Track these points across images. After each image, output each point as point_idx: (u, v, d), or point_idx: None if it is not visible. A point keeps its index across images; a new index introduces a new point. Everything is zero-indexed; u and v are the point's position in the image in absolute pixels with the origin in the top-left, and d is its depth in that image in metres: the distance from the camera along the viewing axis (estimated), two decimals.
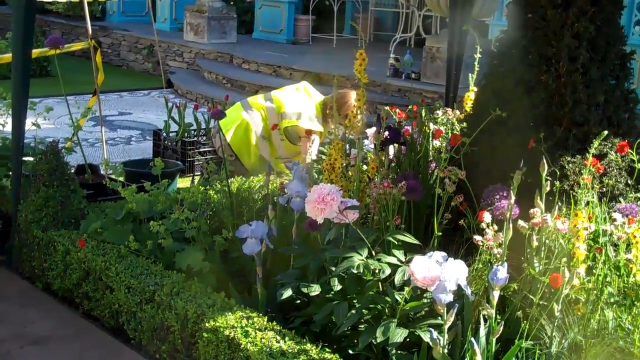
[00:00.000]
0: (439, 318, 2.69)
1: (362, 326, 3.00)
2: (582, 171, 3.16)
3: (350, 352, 2.97)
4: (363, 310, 2.98)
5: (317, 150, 5.13)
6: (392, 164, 3.83)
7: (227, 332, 2.98)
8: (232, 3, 12.98)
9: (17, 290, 4.07)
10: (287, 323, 3.16)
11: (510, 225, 2.90)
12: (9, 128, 4.42)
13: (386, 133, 3.75)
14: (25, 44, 4.14)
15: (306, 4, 13.04)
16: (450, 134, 3.95)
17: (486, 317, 2.76)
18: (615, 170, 3.39)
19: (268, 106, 5.24)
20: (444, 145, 3.80)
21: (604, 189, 3.31)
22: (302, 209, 3.31)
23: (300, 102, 5.27)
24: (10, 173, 4.36)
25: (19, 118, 4.18)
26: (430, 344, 2.59)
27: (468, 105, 4.41)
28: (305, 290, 3.08)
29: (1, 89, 4.83)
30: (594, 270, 2.91)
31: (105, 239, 3.89)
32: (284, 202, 3.54)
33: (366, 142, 4.11)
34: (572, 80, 3.41)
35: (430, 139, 3.89)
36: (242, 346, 2.89)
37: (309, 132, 4.81)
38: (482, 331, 2.74)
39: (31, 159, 4.47)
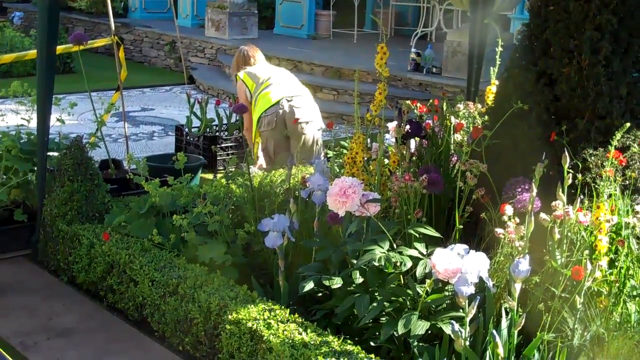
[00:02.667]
0: (461, 310, 2.70)
1: (384, 319, 3.01)
2: (604, 164, 3.15)
3: (372, 344, 2.99)
4: (384, 303, 2.99)
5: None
6: (414, 158, 3.84)
7: (249, 324, 3.01)
8: None
9: (42, 283, 4.13)
10: (309, 315, 3.18)
11: (532, 218, 2.89)
12: (33, 124, 4.47)
13: (407, 127, 3.76)
14: (49, 41, 4.19)
15: None
16: (471, 128, 3.94)
17: (508, 309, 2.77)
18: (637, 163, 3.37)
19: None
20: (465, 138, 3.80)
21: (626, 182, 3.29)
22: (324, 202, 3.34)
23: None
24: (36, 168, 4.41)
25: (44, 114, 4.23)
26: (452, 336, 2.60)
27: (490, 98, 4.41)
28: (326, 283, 3.10)
29: (26, 85, 4.88)
30: (616, 263, 2.90)
31: (129, 232, 3.93)
32: (306, 196, 3.56)
33: (387, 136, 4.11)
34: (595, 73, 3.39)
35: (452, 132, 3.88)
36: (265, 338, 2.92)
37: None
38: (504, 324, 2.75)
39: (56, 154, 4.52)
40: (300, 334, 2.91)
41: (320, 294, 3.29)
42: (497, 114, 3.58)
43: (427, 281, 2.87)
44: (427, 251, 3.09)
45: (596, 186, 3.13)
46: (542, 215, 2.94)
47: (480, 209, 3.30)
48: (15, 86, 4.81)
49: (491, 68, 4.71)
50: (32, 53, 5.33)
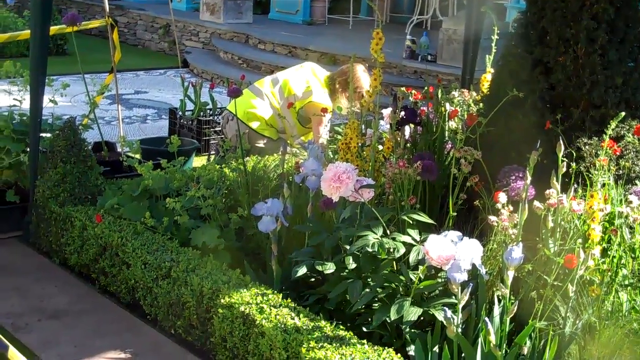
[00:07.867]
0: (453, 297, 2.70)
1: (376, 304, 3.02)
2: (599, 153, 3.15)
3: (364, 329, 2.99)
4: (377, 289, 2.99)
5: (328, 128, 5.15)
6: (408, 144, 3.83)
7: (242, 309, 3.00)
8: None
9: (34, 265, 4.12)
10: (301, 300, 3.18)
11: (526, 205, 2.90)
12: (26, 104, 4.45)
13: (402, 113, 3.75)
14: (43, 22, 4.16)
15: None
16: (466, 115, 3.94)
17: (500, 297, 2.77)
18: (632, 153, 3.37)
19: (277, 91, 5.26)
20: (460, 126, 3.79)
21: (620, 171, 3.29)
22: (318, 187, 3.33)
23: (307, 79, 5.29)
24: (28, 149, 4.39)
25: (37, 94, 4.20)
26: (444, 322, 2.60)
27: (485, 86, 4.40)
28: (319, 268, 3.10)
29: (19, 66, 4.85)
30: (609, 252, 2.91)
31: (121, 215, 3.91)
32: (300, 181, 3.55)
33: (382, 122, 4.11)
34: (591, 62, 3.39)
35: (447, 119, 3.88)
36: (257, 322, 2.92)
37: (324, 111, 4.81)
38: (496, 311, 2.75)
39: (48, 135, 4.50)
40: (293, 318, 2.91)
41: (313, 279, 3.29)
42: (492, 102, 3.57)
43: (420, 267, 2.87)
44: (420, 238, 3.09)
45: (590, 175, 3.13)
46: (536, 203, 2.94)
47: (474, 196, 3.30)
48: (7, 66, 4.77)
49: (487, 56, 4.71)
50: (26, 33, 5.29)
